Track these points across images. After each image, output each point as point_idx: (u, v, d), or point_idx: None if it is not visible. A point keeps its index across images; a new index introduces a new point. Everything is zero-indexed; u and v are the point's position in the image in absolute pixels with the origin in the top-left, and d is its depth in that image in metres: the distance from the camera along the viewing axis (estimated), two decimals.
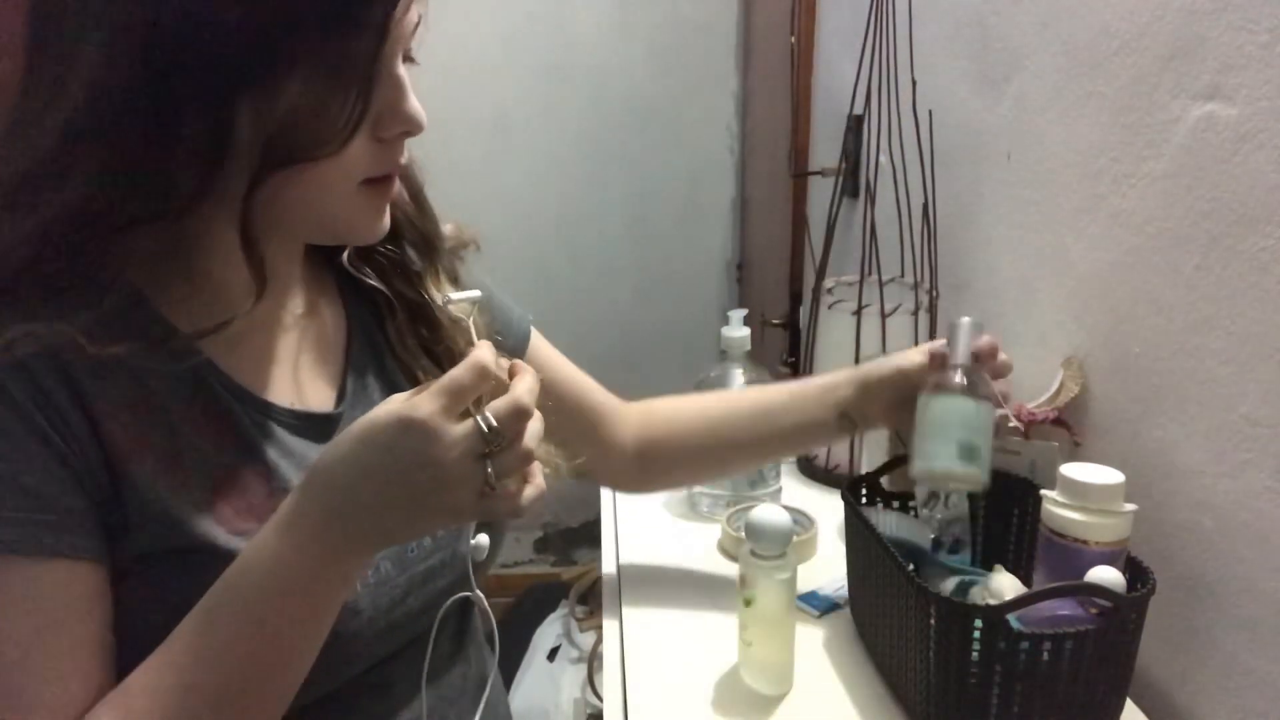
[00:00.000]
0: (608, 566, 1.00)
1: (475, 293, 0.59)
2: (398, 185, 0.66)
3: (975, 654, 0.66)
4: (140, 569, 0.57)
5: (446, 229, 0.77)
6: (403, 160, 0.61)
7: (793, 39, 2.12)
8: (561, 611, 2.02)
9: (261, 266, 0.57)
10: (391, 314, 0.73)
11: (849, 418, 0.84)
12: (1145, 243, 0.81)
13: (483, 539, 0.69)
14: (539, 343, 0.86)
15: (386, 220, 0.63)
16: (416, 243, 0.73)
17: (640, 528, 1.08)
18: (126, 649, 0.56)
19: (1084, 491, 0.71)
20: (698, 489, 1.10)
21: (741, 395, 0.94)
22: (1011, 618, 0.66)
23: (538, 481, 0.56)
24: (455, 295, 0.58)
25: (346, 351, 0.72)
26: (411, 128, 0.59)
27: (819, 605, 0.89)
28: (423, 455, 0.51)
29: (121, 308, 0.57)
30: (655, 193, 2.30)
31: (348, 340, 0.72)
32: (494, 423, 0.52)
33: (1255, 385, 0.68)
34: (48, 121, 0.53)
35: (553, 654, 1.89)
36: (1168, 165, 0.77)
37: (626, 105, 2.24)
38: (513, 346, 0.83)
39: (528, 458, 0.54)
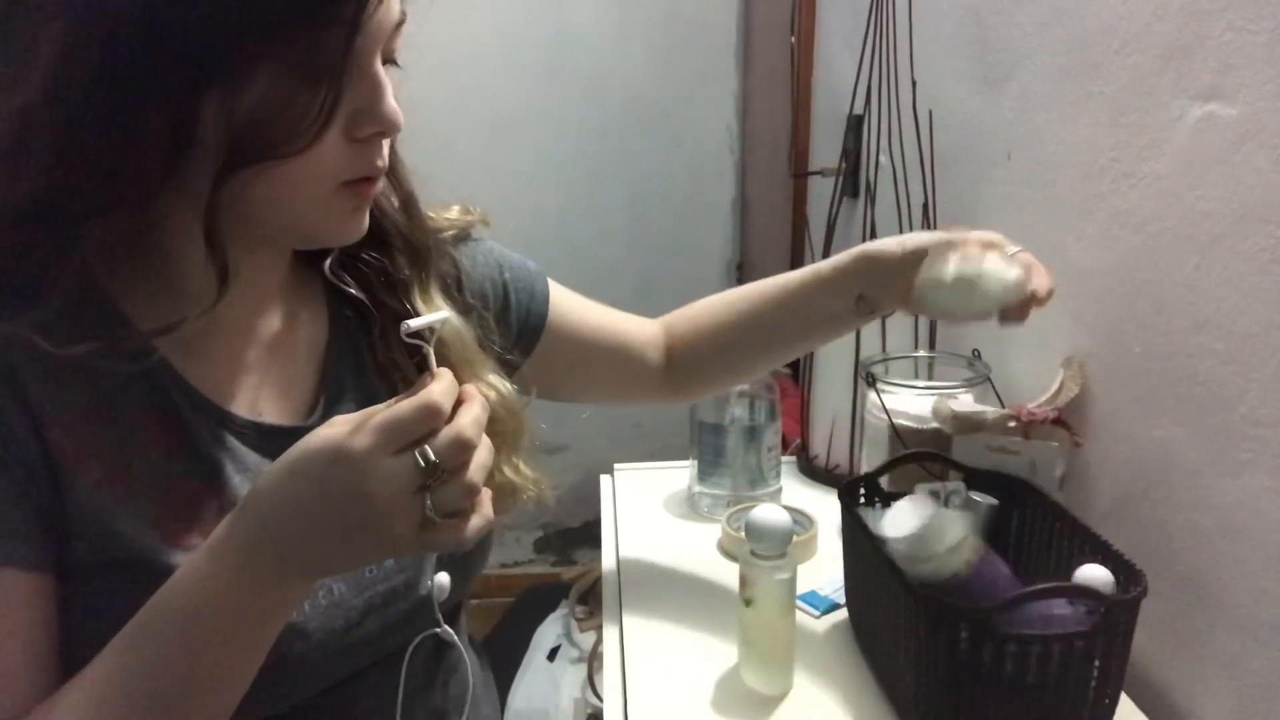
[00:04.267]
0: (608, 566, 1.00)
1: (440, 315, 0.56)
2: (384, 189, 0.65)
3: (963, 655, 0.66)
4: (82, 579, 0.55)
5: (451, 211, 0.76)
6: (381, 163, 0.59)
7: (793, 39, 2.12)
8: (561, 611, 2.02)
9: (224, 265, 0.55)
10: (375, 323, 0.71)
11: (866, 300, 0.80)
12: (1145, 243, 0.81)
13: (443, 578, 0.67)
14: (559, 298, 0.86)
15: (362, 224, 0.61)
16: (404, 251, 0.71)
17: (640, 528, 1.08)
18: (69, 660, 0.55)
19: None
20: (698, 489, 1.10)
21: (761, 287, 0.86)
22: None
23: (485, 511, 0.54)
24: (414, 322, 0.54)
25: (324, 363, 0.69)
26: (387, 129, 0.57)
27: (819, 605, 0.90)
28: (353, 489, 0.49)
29: (77, 304, 0.55)
30: (655, 193, 2.30)
31: (326, 351, 0.70)
32: (432, 457, 0.50)
33: (1255, 385, 0.68)
34: (2, 112, 0.51)
35: (553, 654, 1.89)
36: (1168, 165, 0.77)
37: (626, 105, 2.24)
38: (539, 310, 0.83)
39: (471, 490, 0.52)
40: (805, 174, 2.13)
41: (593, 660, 1.73)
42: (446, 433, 0.50)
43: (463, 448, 0.51)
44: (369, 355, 0.71)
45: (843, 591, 0.91)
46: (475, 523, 0.53)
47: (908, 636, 0.70)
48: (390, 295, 0.70)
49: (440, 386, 0.51)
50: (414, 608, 0.68)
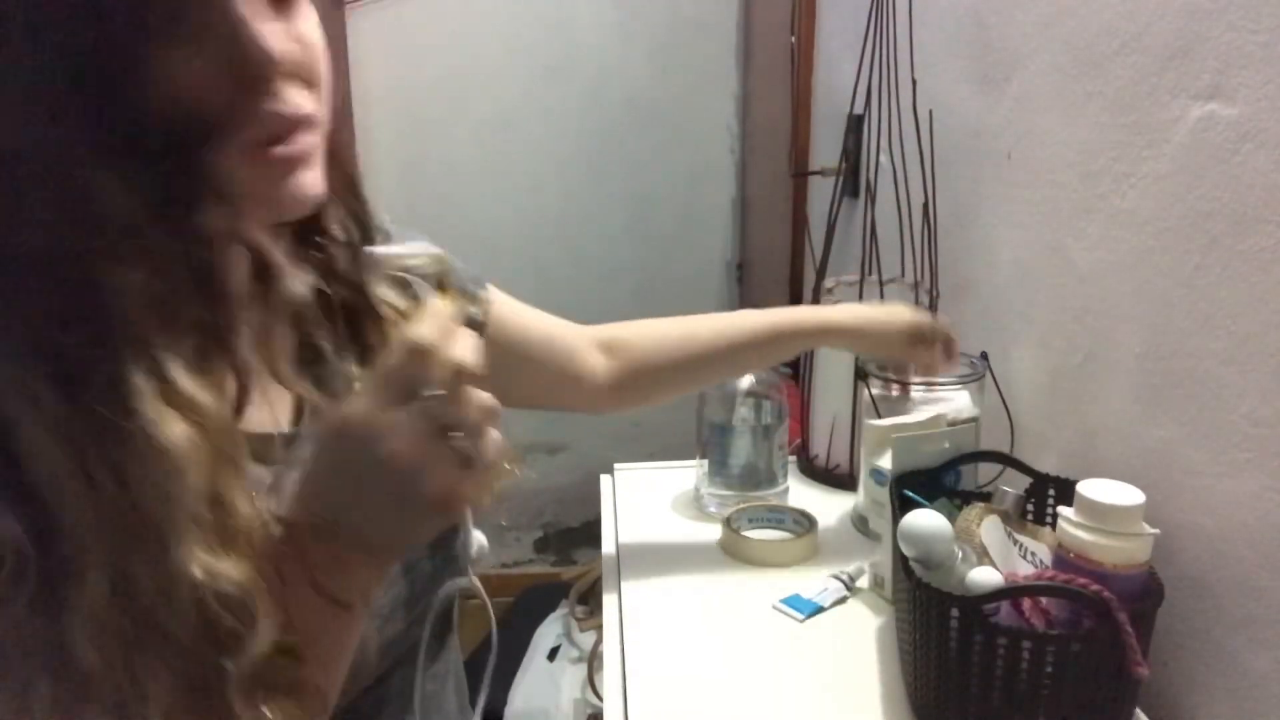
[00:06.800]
0: (607, 566, 1.00)
1: (426, 249, 0.52)
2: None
3: (954, 645, 0.66)
4: None
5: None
6: (287, 109, 0.51)
7: (793, 39, 2.12)
8: (561, 611, 2.02)
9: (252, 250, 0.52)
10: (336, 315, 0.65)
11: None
12: (1145, 243, 0.81)
13: (480, 536, 0.64)
14: (500, 303, 0.84)
15: (305, 188, 0.53)
16: (348, 230, 0.64)
17: (641, 527, 1.08)
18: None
19: (1102, 513, 0.68)
20: (705, 490, 1.10)
21: (712, 335, 0.93)
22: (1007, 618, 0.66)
23: (494, 435, 0.50)
24: (397, 249, 0.50)
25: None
26: (263, 69, 0.48)
27: (803, 609, 0.89)
28: (371, 458, 0.47)
29: None
30: (655, 193, 2.30)
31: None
32: (438, 391, 0.46)
33: (1255, 385, 0.68)
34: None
35: (553, 654, 1.89)
36: (1168, 165, 0.77)
37: (626, 105, 2.24)
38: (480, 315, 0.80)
39: (490, 412, 0.49)
40: (805, 174, 2.13)
41: (593, 660, 1.74)
42: (443, 363, 0.47)
43: (463, 374, 0.48)
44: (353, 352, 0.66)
45: (827, 594, 0.91)
46: (493, 437, 0.50)
47: (910, 626, 0.70)
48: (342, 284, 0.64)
49: (422, 323, 0.48)
50: (445, 598, 0.67)
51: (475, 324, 0.79)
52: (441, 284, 0.71)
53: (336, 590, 0.50)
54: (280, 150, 0.51)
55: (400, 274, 0.50)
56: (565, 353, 0.89)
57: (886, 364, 1.00)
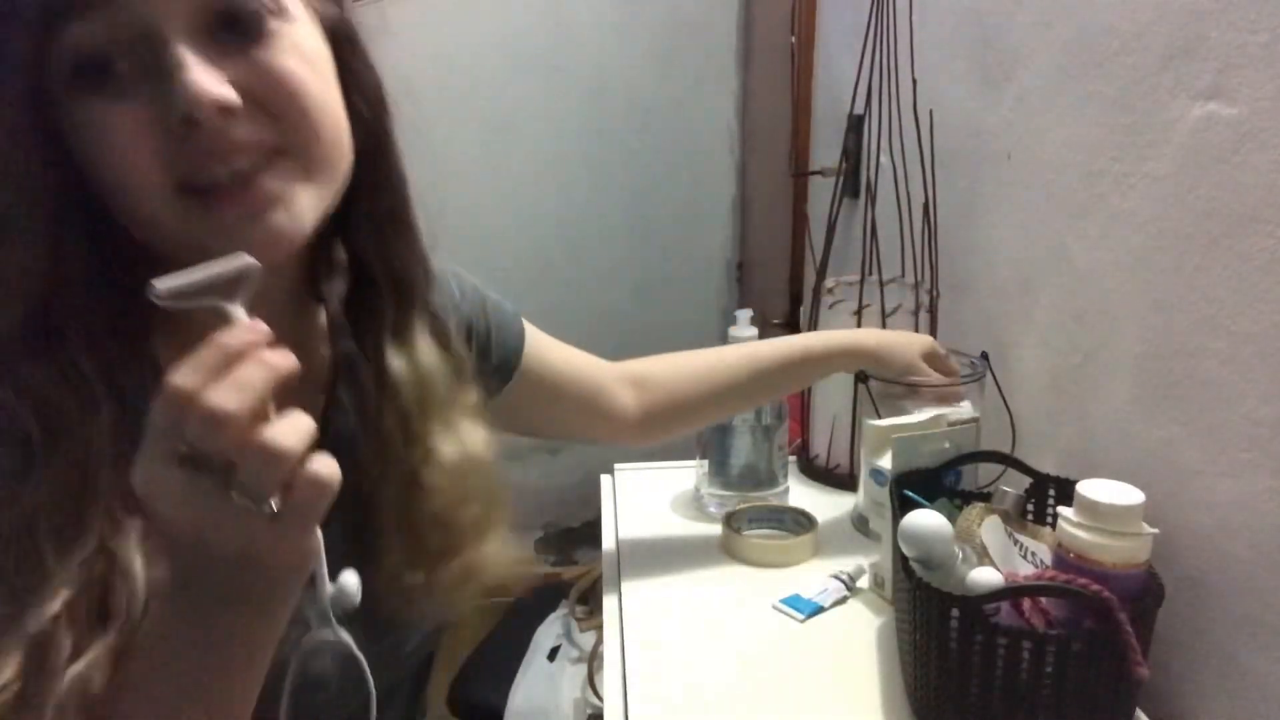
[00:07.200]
0: (608, 566, 1.00)
1: (240, 261, 0.45)
2: (364, 209, 0.59)
3: (955, 645, 0.66)
4: None
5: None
6: (209, 156, 0.48)
7: (793, 39, 2.12)
8: (561, 611, 2.02)
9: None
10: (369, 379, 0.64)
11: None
12: (1145, 243, 0.81)
13: (348, 579, 0.52)
14: (533, 338, 0.86)
15: (251, 236, 0.50)
16: (385, 283, 0.63)
17: (641, 527, 1.08)
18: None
19: (1102, 513, 0.68)
20: (705, 490, 1.10)
21: (737, 364, 0.95)
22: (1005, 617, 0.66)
23: (309, 474, 0.42)
24: (164, 283, 0.43)
25: (324, 412, 0.64)
26: (185, 107, 0.46)
27: (803, 609, 0.89)
28: (159, 521, 0.43)
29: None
30: (655, 193, 2.30)
31: (326, 408, 0.65)
32: (203, 450, 0.40)
33: (1255, 385, 0.68)
34: None
35: (553, 654, 1.89)
36: (1168, 165, 0.77)
37: (626, 105, 2.24)
38: (514, 347, 0.83)
39: (268, 456, 0.40)
40: (805, 174, 2.13)
41: (593, 660, 1.73)
42: (192, 412, 0.39)
43: (212, 421, 0.39)
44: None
45: (827, 595, 0.91)
46: (317, 469, 0.42)
47: (910, 626, 0.70)
48: (368, 335, 0.64)
49: (185, 364, 0.40)
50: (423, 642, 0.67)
51: (507, 369, 0.82)
52: (485, 311, 0.74)
53: (211, 627, 0.46)
54: (209, 199, 0.49)
55: (210, 304, 0.44)
56: (594, 389, 0.90)
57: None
